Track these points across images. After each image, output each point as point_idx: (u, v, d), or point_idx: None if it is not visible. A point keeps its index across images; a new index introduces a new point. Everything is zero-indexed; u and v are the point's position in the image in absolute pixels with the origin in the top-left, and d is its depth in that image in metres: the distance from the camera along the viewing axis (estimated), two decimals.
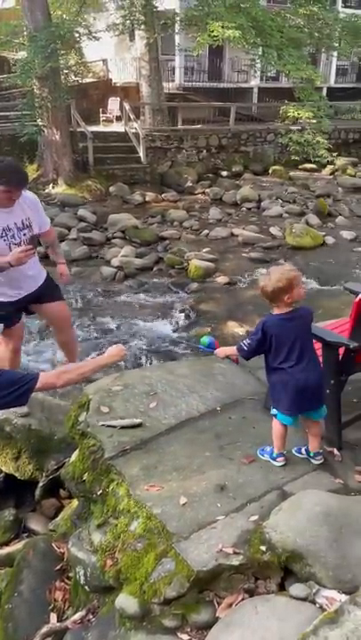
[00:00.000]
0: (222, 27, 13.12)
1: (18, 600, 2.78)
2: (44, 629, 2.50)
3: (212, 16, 13.71)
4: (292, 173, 17.43)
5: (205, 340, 2.93)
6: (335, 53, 21.30)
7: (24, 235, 3.10)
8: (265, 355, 2.56)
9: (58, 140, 14.64)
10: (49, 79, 13.87)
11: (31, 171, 15.16)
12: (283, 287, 2.43)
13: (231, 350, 2.70)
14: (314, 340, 2.62)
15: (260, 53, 15.50)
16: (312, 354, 2.56)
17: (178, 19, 15.96)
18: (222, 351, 2.80)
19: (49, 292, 3.61)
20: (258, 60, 16.28)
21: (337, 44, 18.24)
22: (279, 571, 2.09)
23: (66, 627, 2.46)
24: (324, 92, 20.26)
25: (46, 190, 14.55)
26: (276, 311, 2.51)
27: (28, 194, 3.19)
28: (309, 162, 17.78)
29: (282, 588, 2.08)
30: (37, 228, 3.26)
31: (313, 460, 2.65)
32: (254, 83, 21.83)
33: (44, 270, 3.59)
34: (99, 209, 13.18)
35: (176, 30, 17.05)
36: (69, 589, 2.74)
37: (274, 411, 2.59)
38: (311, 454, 2.65)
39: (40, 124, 14.49)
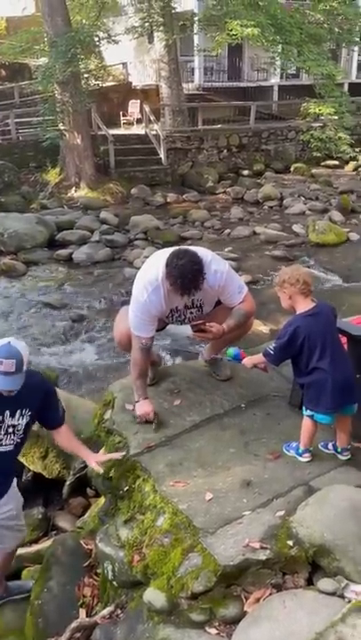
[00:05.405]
0: (241, 25, 13.07)
1: (47, 596, 2.82)
2: (74, 624, 2.52)
3: (230, 15, 13.67)
4: (314, 170, 17.28)
5: (231, 351, 2.93)
6: (356, 48, 21.04)
7: (190, 313, 2.97)
8: (294, 359, 2.54)
9: (79, 144, 14.79)
10: (70, 84, 14.02)
11: (53, 175, 15.35)
12: (305, 279, 2.47)
13: (259, 359, 2.70)
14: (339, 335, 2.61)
15: (279, 51, 15.39)
16: (342, 348, 2.55)
17: (196, 19, 15.97)
18: (250, 361, 2.79)
19: None
20: (277, 58, 16.16)
21: (358, 39, 18.00)
22: (307, 565, 2.08)
23: (95, 622, 2.49)
24: (346, 87, 19.87)
25: (69, 194, 14.72)
26: (300, 308, 2.50)
27: (216, 278, 2.80)
28: (332, 158, 17.58)
29: (310, 582, 2.07)
30: (210, 307, 2.99)
31: (340, 456, 2.62)
32: (274, 81, 21.68)
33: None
34: (121, 211, 13.26)
35: (195, 31, 17.04)
36: (98, 585, 2.77)
37: (309, 412, 2.54)
38: (339, 450, 2.62)
39: (61, 128, 14.68)
